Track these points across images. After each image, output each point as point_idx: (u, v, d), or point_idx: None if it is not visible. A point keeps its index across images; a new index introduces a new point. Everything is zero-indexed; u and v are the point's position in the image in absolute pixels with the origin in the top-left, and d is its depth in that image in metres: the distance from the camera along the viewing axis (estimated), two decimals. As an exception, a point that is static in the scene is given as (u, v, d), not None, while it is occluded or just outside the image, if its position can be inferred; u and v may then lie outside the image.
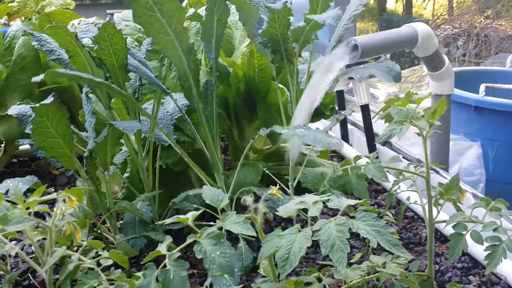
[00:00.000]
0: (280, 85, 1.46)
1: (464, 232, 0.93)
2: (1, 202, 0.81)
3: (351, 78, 1.65)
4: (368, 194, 1.04)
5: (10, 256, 1.23)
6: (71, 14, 1.86)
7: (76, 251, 0.87)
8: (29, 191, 1.02)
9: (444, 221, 0.97)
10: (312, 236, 0.74)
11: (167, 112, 1.35)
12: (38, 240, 1.27)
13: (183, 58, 1.13)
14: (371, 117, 1.95)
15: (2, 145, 1.87)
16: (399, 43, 1.42)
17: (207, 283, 0.79)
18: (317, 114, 1.67)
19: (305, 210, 0.82)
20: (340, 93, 2.13)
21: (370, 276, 0.92)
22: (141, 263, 0.81)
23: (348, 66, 1.85)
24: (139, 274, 0.78)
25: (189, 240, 0.77)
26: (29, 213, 0.79)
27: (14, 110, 1.18)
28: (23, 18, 3.23)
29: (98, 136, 1.13)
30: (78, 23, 1.70)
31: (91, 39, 1.09)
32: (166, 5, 1.02)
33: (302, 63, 1.52)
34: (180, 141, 1.39)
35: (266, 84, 1.57)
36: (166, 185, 1.39)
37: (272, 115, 1.58)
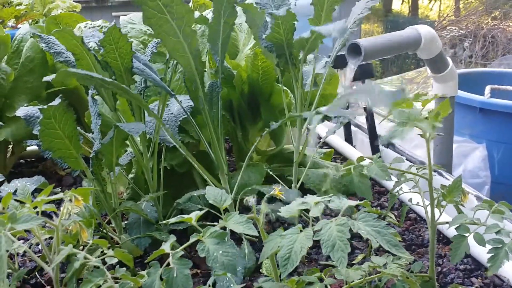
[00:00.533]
0: (284, 88, 1.47)
1: (467, 234, 0.94)
2: (9, 201, 0.82)
3: (355, 80, 1.66)
4: (371, 193, 1.05)
5: (18, 254, 1.25)
6: (78, 17, 1.88)
7: (82, 250, 0.89)
8: (37, 191, 1.04)
9: (447, 223, 0.98)
10: (313, 236, 0.75)
11: (172, 113, 1.37)
12: (46, 239, 1.29)
13: (191, 60, 1.15)
14: (375, 119, 1.96)
15: (10, 146, 1.90)
16: (402, 46, 1.43)
17: (210, 281, 0.81)
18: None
19: (308, 211, 0.83)
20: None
21: (372, 276, 0.93)
22: (145, 261, 0.82)
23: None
24: (144, 272, 0.80)
25: (192, 239, 0.78)
26: (37, 212, 0.81)
27: (22, 111, 1.20)
28: (30, 21, 3.26)
29: (104, 138, 1.15)
30: (85, 26, 1.73)
31: (96, 44, 1.11)
32: (176, 8, 1.04)
33: (307, 65, 1.53)
34: (184, 142, 1.41)
35: (269, 86, 1.59)
36: (171, 186, 1.40)
37: (276, 117, 1.59)
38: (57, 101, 1.08)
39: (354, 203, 0.80)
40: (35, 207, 0.82)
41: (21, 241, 1.26)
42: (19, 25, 3.24)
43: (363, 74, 1.92)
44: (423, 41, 1.42)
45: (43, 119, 1.06)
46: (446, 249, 1.33)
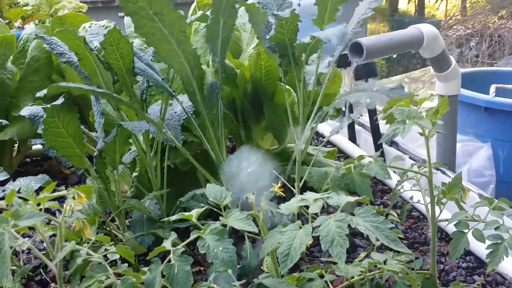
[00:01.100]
0: (287, 87, 1.47)
1: (466, 231, 0.94)
2: (13, 198, 0.84)
3: (358, 79, 1.67)
4: (371, 192, 1.06)
5: (23, 252, 1.27)
6: (83, 18, 1.90)
7: (86, 247, 0.90)
8: (41, 189, 1.05)
9: (447, 220, 0.98)
10: (312, 232, 0.75)
11: (175, 113, 1.38)
12: (50, 236, 1.31)
13: (186, 65, 1.15)
14: (378, 118, 1.96)
15: (16, 145, 1.92)
16: (405, 45, 1.43)
17: (211, 278, 0.82)
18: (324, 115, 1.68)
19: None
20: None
21: (372, 273, 0.94)
22: (147, 258, 0.83)
23: (356, 70, 1.87)
24: (145, 269, 0.81)
25: (193, 235, 0.79)
26: (40, 210, 0.82)
27: (26, 111, 1.22)
28: (36, 21, 3.29)
29: (108, 136, 1.16)
30: (90, 26, 1.74)
31: (100, 43, 1.12)
32: (167, 15, 1.03)
33: (310, 64, 1.53)
34: (188, 141, 1.42)
35: (273, 85, 1.59)
36: (174, 184, 1.41)
37: (279, 116, 1.60)
38: (60, 101, 1.09)
39: (352, 199, 0.80)
40: (38, 204, 0.83)
41: (26, 238, 1.27)
42: (25, 26, 3.27)
43: (366, 73, 1.93)
44: (425, 40, 1.42)
45: (47, 118, 1.08)
46: (448, 247, 1.33)
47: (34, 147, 1.99)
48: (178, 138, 1.30)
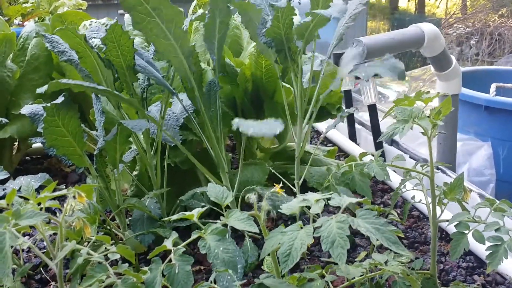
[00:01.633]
0: (286, 85, 1.47)
1: (466, 231, 0.94)
2: (14, 197, 0.84)
3: (358, 78, 1.66)
4: (371, 191, 1.06)
5: (23, 250, 1.27)
6: (83, 15, 1.89)
7: (86, 246, 0.90)
8: (41, 188, 1.05)
9: (447, 220, 0.98)
10: (313, 233, 0.75)
11: (173, 113, 1.38)
12: (50, 235, 1.31)
13: (184, 61, 1.15)
14: (379, 116, 1.96)
15: (16, 143, 1.91)
16: (406, 44, 1.43)
17: (212, 278, 0.81)
18: (324, 114, 1.68)
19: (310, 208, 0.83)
20: (348, 93, 2.14)
21: (373, 273, 0.94)
22: (148, 257, 0.83)
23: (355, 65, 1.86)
24: (146, 268, 0.81)
25: (193, 236, 0.79)
26: (41, 209, 0.82)
27: (26, 109, 1.22)
28: (36, 18, 3.28)
29: (108, 135, 1.16)
30: (90, 24, 1.74)
31: (101, 40, 1.11)
32: (165, 11, 1.04)
33: (305, 63, 1.53)
34: (188, 140, 1.41)
35: (273, 84, 1.59)
36: (174, 183, 1.41)
37: (279, 115, 1.59)
38: (60, 99, 1.09)
39: (354, 200, 0.80)
40: (39, 204, 0.83)
41: (26, 237, 1.27)
42: (25, 23, 3.26)
43: (366, 71, 1.92)
44: (426, 39, 1.42)
45: (47, 116, 1.08)
46: (448, 246, 1.33)
47: (34, 145, 1.98)
48: (177, 138, 1.30)
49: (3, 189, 1.14)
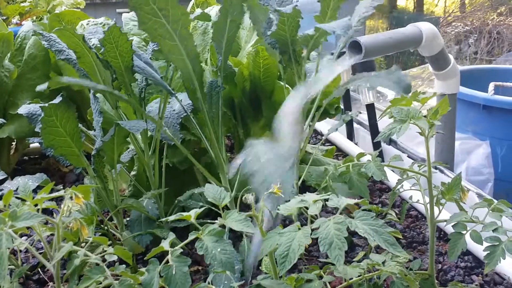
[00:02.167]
0: (286, 85, 1.47)
1: (464, 232, 0.94)
2: (10, 198, 0.83)
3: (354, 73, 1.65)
4: (368, 192, 1.06)
5: (21, 251, 1.27)
6: (81, 15, 1.89)
7: (83, 247, 0.89)
8: (39, 188, 1.05)
9: (445, 220, 0.98)
10: (311, 234, 0.75)
11: (174, 110, 1.37)
12: (47, 236, 1.31)
13: (188, 62, 1.14)
14: (377, 116, 1.96)
15: (14, 143, 1.91)
16: (404, 43, 1.43)
17: (209, 279, 0.81)
18: (323, 113, 1.67)
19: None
20: (346, 92, 2.14)
21: (371, 274, 0.94)
22: (145, 258, 0.83)
23: (354, 68, 1.86)
24: (143, 269, 0.80)
25: (191, 236, 0.79)
26: (38, 210, 0.82)
27: (24, 109, 1.21)
28: (34, 18, 3.27)
29: (105, 135, 1.16)
30: (87, 24, 1.73)
31: (99, 41, 1.11)
32: (171, 11, 1.03)
33: (309, 62, 1.53)
34: (186, 139, 1.41)
35: (271, 83, 1.59)
36: (172, 183, 1.41)
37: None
38: (58, 99, 1.09)
39: (352, 201, 0.80)
40: (36, 205, 0.83)
41: (24, 237, 1.27)
42: (23, 22, 3.25)
43: (365, 70, 1.92)
44: (424, 38, 1.42)
45: (44, 117, 1.07)
46: (446, 246, 1.33)
47: (32, 145, 1.98)
48: (177, 136, 1.30)
49: (0, 190, 1.14)
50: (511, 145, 2.93)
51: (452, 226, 0.94)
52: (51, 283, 1.19)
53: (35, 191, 1.03)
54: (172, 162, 1.42)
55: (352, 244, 1.34)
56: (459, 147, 2.85)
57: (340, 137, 2.07)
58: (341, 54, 1.66)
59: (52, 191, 0.89)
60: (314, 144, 2.11)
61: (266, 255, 0.84)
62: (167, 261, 0.77)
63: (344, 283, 0.93)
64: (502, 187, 2.89)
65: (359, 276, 0.89)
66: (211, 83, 1.28)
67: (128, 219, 1.30)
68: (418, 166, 1.09)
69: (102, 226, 1.28)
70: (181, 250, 0.77)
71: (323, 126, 2.23)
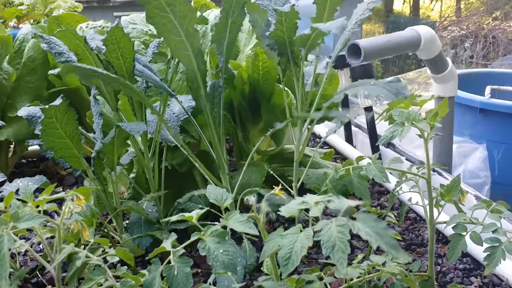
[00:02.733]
0: (285, 88, 1.47)
1: (464, 233, 0.95)
2: (11, 200, 0.83)
3: (355, 80, 1.67)
4: (369, 194, 1.06)
5: (19, 254, 1.26)
6: (80, 18, 1.89)
7: (84, 249, 0.89)
8: (38, 190, 1.04)
9: (445, 222, 0.98)
10: (313, 236, 0.75)
11: (173, 113, 1.38)
12: (46, 238, 1.30)
13: (193, 59, 1.16)
14: (375, 119, 1.96)
15: (12, 146, 1.90)
16: (402, 46, 1.44)
17: (210, 280, 0.81)
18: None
19: (308, 211, 0.84)
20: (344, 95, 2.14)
21: (371, 275, 0.94)
22: (146, 258, 0.83)
23: (352, 71, 1.87)
24: (144, 271, 0.80)
25: (193, 237, 0.79)
26: (39, 211, 0.82)
27: (24, 111, 1.21)
28: (31, 21, 3.27)
29: (106, 137, 1.16)
30: (86, 26, 1.74)
31: (97, 45, 1.11)
32: (179, 7, 1.04)
33: (307, 66, 1.53)
34: (185, 142, 1.41)
35: (270, 86, 1.59)
36: (172, 186, 1.41)
37: (277, 117, 1.60)
38: (58, 101, 1.09)
39: (354, 203, 0.80)
40: (37, 206, 0.83)
41: (23, 240, 1.27)
42: (20, 25, 3.25)
43: (363, 74, 1.93)
44: (422, 41, 1.43)
45: (45, 118, 1.07)
46: (445, 248, 1.34)
47: (30, 148, 1.98)
48: (177, 139, 1.30)
49: (0, 192, 1.14)
50: (507, 148, 2.95)
51: (452, 227, 0.94)
52: (49, 286, 1.19)
53: (34, 193, 1.03)
54: (172, 165, 1.42)
55: (351, 247, 1.34)
56: (456, 151, 2.87)
57: (338, 140, 2.08)
58: (338, 57, 1.67)
59: (52, 193, 0.88)
60: (312, 147, 2.11)
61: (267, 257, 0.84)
62: (169, 262, 0.77)
63: (344, 285, 0.94)
64: (498, 190, 2.91)
65: (359, 276, 0.89)
66: (213, 84, 1.28)
67: (127, 221, 1.30)
68: (417, 168, 1.10)
69: (101, 228, 1.28)
70: (183, 250, 0.78)
71: (322, 129, 2.23)
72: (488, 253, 0.88)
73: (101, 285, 0.81)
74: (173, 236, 0.82)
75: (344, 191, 1.30)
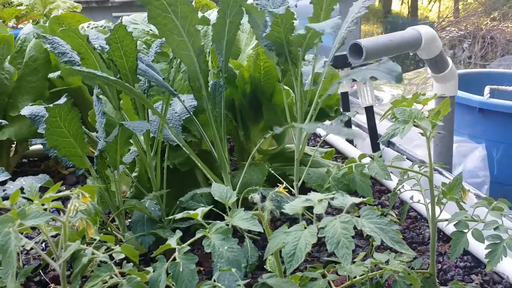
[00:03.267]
0: (286, 87, 1.48)
1: (466, 231, 0.95)
2: (17, 198, 0.84)
3: (354, 80, 1.67)
4: (372, 191, 1.07)
5: (22, 252, 1.26)
6: (81, 17, 1.89)
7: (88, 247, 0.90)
8: (41, 189, 1.05)
9: (446, 220, 0.99)
10: (317, 233, 0.76)
11: (175, 112, 1.38)
12: (51, 236, 1.31)
13: (195, 59, 1.16)
14: (375, 118, 1.97)
15: (13, 145, 1.91)
16: (404, 46, 1.45)
17: (214, 277, 0.82)
18: (322, 116, 1.69)
19: (309, 210, 0.84)
20: (345, 95, 2.16)
21: (374, 272, 0.95)
22: (152, 255, 0.84)
23: (352, 68, 1.88)
24: (149, 268, 0.81)
25: (198, 234, 0.79)
26: (45, 209, 0.82)
27: (27, 110, 1.22)
28: (31, 21, 3.27)
29: (109, 136, 1.16)
30: (88, 26, 1.74)
31: (100, 45, 1.12)
32: (180, 7, 1.05)
33: (306, 65, 1.54)
34: (187, 141, 1.42)
35: (271, 86, 1.60)
36: (173, 185, 1.41)
37: (278, 117, 1.60)
38: (62, 100, 1.09)
39: (357, 200, 0.81)
40: (43, 204, 0.83)
41: (25, 239, 1.27)
42: (19, 25, 3.25)
43: (363, 74, 1.93)
44: (423, 41, 1.44)
45: (49, 117, 1.08)
46: (446, 246, 1.35)
47: (31, 147, 1.98)
48: (179, 138, 1.31)
49: (3, 190, 1.14)
50: (506, 147, 2.96)
51: (454, 224, 0.95)
52: (52, 285, 1.19)
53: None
54: (173, 164, 1.42)
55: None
56: (456, 150, 2.88)
57: (339, 140, 2.08)
58: (338, 57, 1.68)
59: (58, 192, 0.89)
60: (313, 146, 2.12)
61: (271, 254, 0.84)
62: (174, 259, 0.77)
63: (347, 282, 0.94)
64: (498, 189, 2.92)
65: (363, 274, 0.90)
66: (214, 84, 1.29)
67: (130, 220, 1.30)
68: (418, 167, 1.10)
69: (104, 227, 1.29)
70: (188, 247, 0.78)
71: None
72: (490, 250, 0.89)
73: (106, 282, 0.81)
74: (178, 233, 0.83)
75: (346, 189, 1.30)
